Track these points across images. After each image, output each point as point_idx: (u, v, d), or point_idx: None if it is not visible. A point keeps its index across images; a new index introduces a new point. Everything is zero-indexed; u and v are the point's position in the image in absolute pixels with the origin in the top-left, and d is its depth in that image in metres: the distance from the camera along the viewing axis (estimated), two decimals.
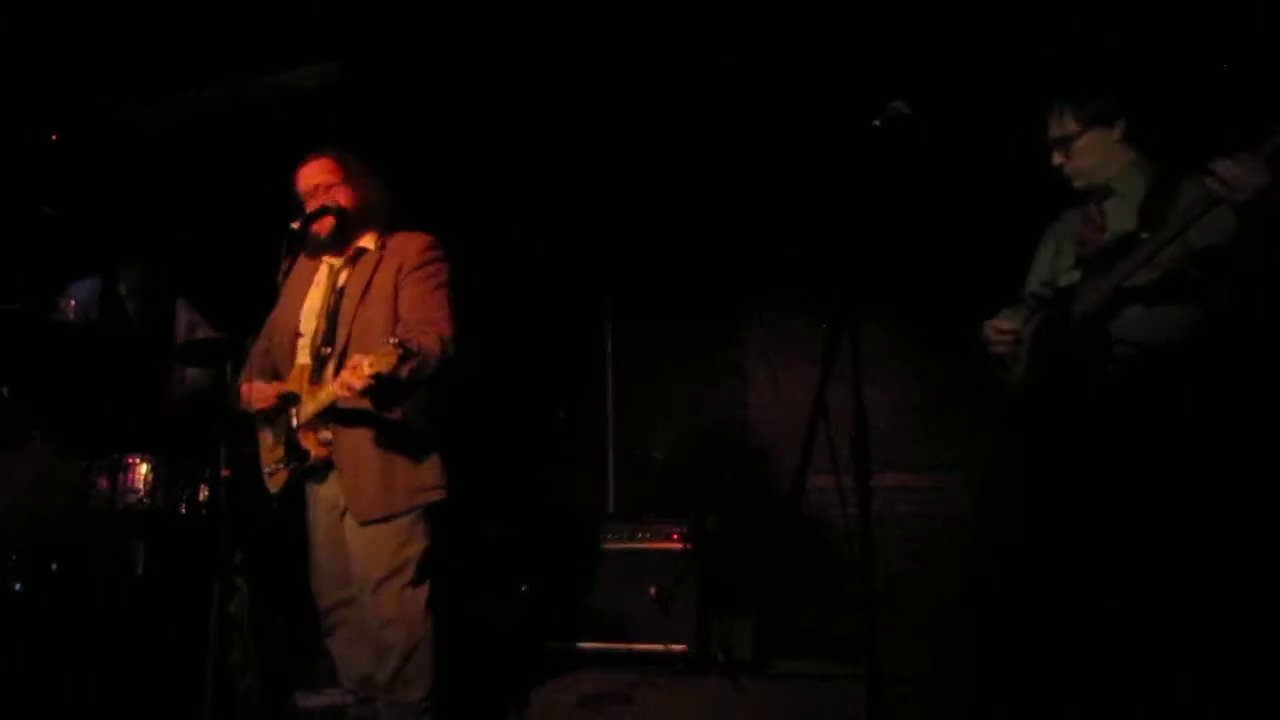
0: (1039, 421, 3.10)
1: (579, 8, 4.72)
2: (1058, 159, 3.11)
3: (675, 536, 4.64)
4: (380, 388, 2.95)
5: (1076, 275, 3.12)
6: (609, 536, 4.73)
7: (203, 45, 4.90)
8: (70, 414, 4.09)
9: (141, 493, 3.90)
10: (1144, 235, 2.88)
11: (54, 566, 3.81)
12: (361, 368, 2.86)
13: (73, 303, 4.26)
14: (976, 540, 3.24)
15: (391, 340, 2.86)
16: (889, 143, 2.62)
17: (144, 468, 3.93)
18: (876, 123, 2.64)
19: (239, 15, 4.70)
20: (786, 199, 5.12)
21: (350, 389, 2.92)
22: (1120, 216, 3.07)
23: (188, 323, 4.63)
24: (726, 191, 5.36)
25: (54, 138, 5.46)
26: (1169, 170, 3.02)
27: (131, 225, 4.73)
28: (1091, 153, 3.08)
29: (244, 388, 3.37)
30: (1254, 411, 2.84)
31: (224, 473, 3.13)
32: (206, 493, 3.93)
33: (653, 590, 4.55)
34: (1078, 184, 3.13)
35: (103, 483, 3.91)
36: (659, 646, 4.51)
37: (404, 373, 2.94)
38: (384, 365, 2.84)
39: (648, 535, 4.68)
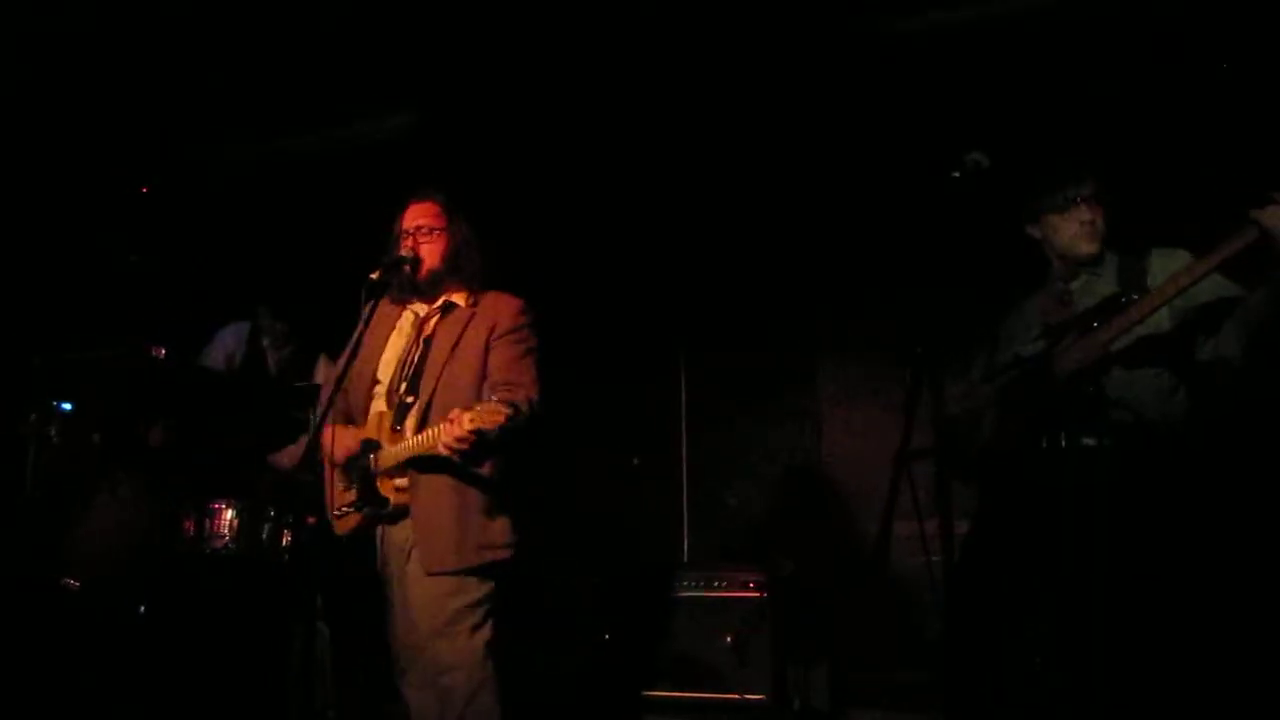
0: (1025, 480, 3.00)
1: (643, 60, 4.80)
2: (1089, 214, 3.07)
3: (751, 585, 4.62)
4: (478, 443, 2.98)
5: (1041, 345, 3.07)
6: (685, 584, 4.72)
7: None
8: (169, 459, 4.14)
9: (227, 538, 3.98)
10: (1133, 296, 2.86)
11: (141, 609, 3.87)
12: (462, 422, 2.90)
13: (163, 350, 4.33)
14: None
15: (500, 401, 2.91)
16: (967, 194, 2.62)
17: (230, 513, 4.01)
18: (956, 174, 2.65)
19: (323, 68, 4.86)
20: (858, 244, 5.12)
21: (450, 445, 2.96)
22: (1090, 292, 3.05)
23: (325, 374, 4.61)
24: (798, 236, 5.37)
25: (144, 190, 5.61)
26: (1129, 249, 3.04)
27: (257, 274, 4.83)
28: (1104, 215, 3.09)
29: (327, 433, 3.35)
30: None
31: (309, 519, 3.16)
32: (289, 538, 4.00)
33: (729, 639, 4.54)
34: (1090, 248, 3.08)
35: (189, 527, 3.98)
36: (735, 696, 4.48)
37: (500, 432, 2.97)
38: (488, 422, 2.88)
39: (723, 583, 4.66)
